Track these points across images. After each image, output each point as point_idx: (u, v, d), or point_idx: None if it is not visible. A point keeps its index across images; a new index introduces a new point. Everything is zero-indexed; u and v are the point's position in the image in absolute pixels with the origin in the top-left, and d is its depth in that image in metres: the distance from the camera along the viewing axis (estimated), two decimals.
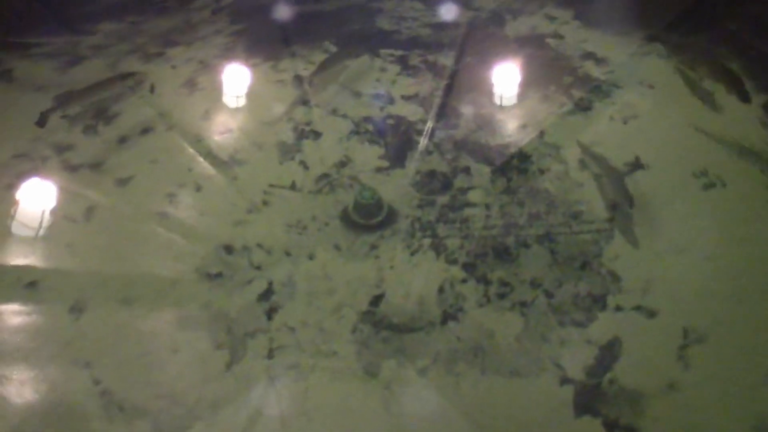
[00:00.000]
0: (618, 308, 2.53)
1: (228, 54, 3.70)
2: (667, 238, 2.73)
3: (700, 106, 3.27)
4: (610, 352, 2.41)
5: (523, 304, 2.56)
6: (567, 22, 3.88)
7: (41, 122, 3.27)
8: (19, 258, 2.71)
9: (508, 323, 2.51)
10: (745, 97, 3.29)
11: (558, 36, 3.78)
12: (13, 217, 2.84)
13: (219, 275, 2.65)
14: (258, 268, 2.68)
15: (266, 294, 2.59)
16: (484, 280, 2.64)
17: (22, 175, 3.00)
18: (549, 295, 2.58)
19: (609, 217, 2.82)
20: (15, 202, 2.89)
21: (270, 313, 2.54)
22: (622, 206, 2.85)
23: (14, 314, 2.55)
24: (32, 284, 2.62)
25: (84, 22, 3.97)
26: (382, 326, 2.50)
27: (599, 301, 2.55)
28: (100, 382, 2.36)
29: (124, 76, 3.51)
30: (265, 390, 2.33)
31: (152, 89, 3.45)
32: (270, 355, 2.42)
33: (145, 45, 3.76)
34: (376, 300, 2.57)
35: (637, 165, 3.00)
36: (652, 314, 2.51)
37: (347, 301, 2.57)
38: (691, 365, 2.36)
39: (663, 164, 3.02)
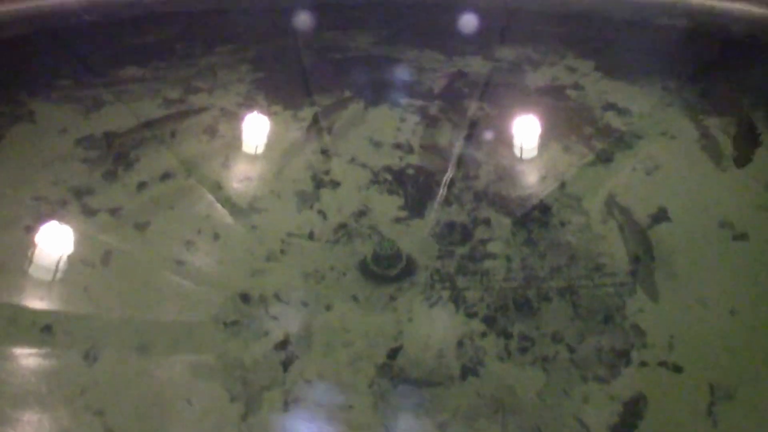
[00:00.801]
0: (642, 363, 2.47)
1: (249, 102, 3.72)
2: (692, 291, 2.69)
3: (724, 156, 3.24)
4: (634, 409, 2.35)
5: (545, 358, 2.51)
6: (588, 73, 3.88)
7: (109, 142, 3.35)
8: (35, 301, 2.69)
9: (530, 378, 2.45)
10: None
11: (579, 87, 3.78)
12: (30, 260, 2.82)
13: (235, 324, 2.62)
14: (275, 318, 2.64)
15: (282, 345, 2.55)
16: (505, 334, 2.59)
17: (40, 218, 3.00)
18: (571, 349, 2.53)
19: (631, 270, 2.78)
20: (33, 245, 2.87)
21: (286, 365, 2.49)
22: (644, 259, 2.81)
23: (28, 358, 2.52)
24: (47, 328, 2.59)
25: (107, 67, 4.00)
26: (400, 380, 2.45)
27: (623, 356, 2.50)
28: (112, 430, 2.31)
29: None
30: None
31: (173, 135, 3.46)
32: (285, 407, 2.37)
33: (167, 91, 3.78)
34: (394, 353, 2.53)
35: (661, 217, 2.97)
36: (677, 370, 2.45)
37: (364, 354, 2.53)
38: (719, 423, 2.30)
39: (687, 216, 2.98)
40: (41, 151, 3.37)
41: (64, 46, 4.20)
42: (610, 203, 3.04)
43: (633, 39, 4.24)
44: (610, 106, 3.62)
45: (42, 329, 2.60)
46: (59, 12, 4.45)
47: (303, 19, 4.36)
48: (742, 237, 2.87)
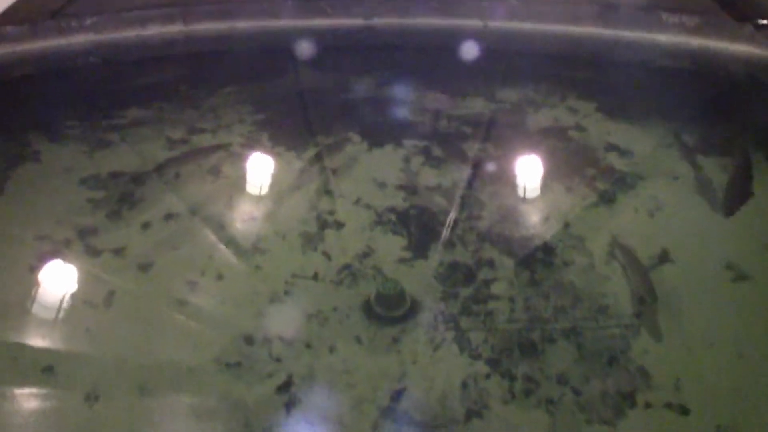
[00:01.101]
0: (648, 405, 2.44)
1: (252, 142, 3.75)
2: (697, 332, 2.67)
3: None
4: None
5: (550, 401, 2.48)
6: (589, 114, 3.91)
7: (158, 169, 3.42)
8: (37, 341, 2.68)
9: (535, 421, 2.42)
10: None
11: (581, 128, 3.80)
12: (33, 300, 2.82)
13: (238, 365, 2.60)
14: (278, 359, 2.62)
15: (285, 387, 2.53)
16: (509, 376, 2.57)
17: (43, 257, 3.00)
18: (576, 391, 2.51)
19: (635, 312, 2.77)
20: (36, 284, 2.87)
21: (289, 407, 2.47)
22: (647, 300, 2.80)
23: (29, 398, 2.49)
24: (49, 368, 2.57)
25: (112, 108, 4.04)
26: (404, 423, 2.42)
27: (628, 398, 2.47)
28: None
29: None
30: None
31: (177, 176, 3.48)
32: None
33: (171, 132, 3.81)
34: (398, 395, 2.50)
35: (664, 258, 2.97)
36: (684, 412, 2.41)
37: (368, 396, 2.50)
38: None
39: (690, 257, 2.98)
40: (46, 191, 3.39)
41: (70, 86, 4.25)
42: (613, 244, 3.04)
43: (634, 80, 4.29)
44: (612, 147, 3.64)
45: (43, 369, 2.57)
46: (65, 53, 4.52)
47: (306, 61, 4.42)
48: (746, 278, 2.86)
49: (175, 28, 4.70)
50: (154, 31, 4.67)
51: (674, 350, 2.62)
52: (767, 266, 2.91)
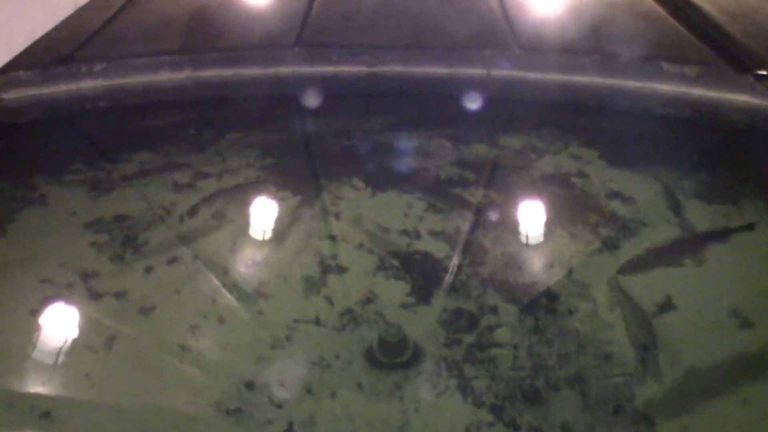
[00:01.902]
0: None
1: (257, 187, 3.76)
2: (701, 381, 2.64)
3: (729, 244, 3.25)
4: None
5: None
6: (592, 161, 3.93)
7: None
8: (35, 386, 2.66)
9: None
10: None
11: (583, 175, 3.82)
12: (33, 344, 2.81)
13: (239, 412, 2.57)
14: (279, 406, 2.60)
15: None
16: (513, 425, 2.53)
17: (45, 301, 2.99)
18: None
19: (637, 359, 2.75)
20: (37, 328, 2.86)
21: None
22: (649, 346, 2.78)
23: None
24: (46, 414, 2.54)
25: (119, 152, 4.07)
26: None
27: None
28: None
29: None
30: None
31: (181, 219, 3.49)
32: None
33: (176, 176, 3.83)
34: None
35: (667, 305, 2.95)
36: None
37: None
38: None
39: (694, 304, 2.97)
40: (50, 234, 3.40)
41: (78, 130, 4.30)
42: (616, 291, 3.03)
43: (636, 128, 4.33)
44: (615, 194, 3.64)
45: (41, 415, 2.55)
46: (74, 98, 4.58)
47: (312, 107, 4.47)
48: (751, 325, 2.85)
49: (183, 75, 4.77)
50: (162, 77, 4.74)
51: (679, 399, 2.59)
52: None
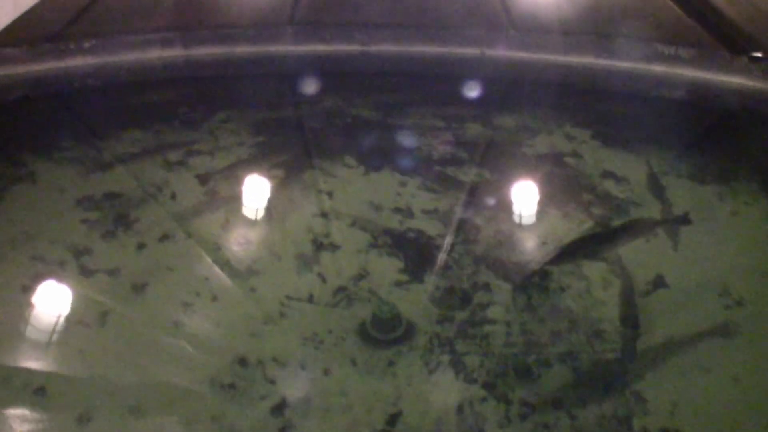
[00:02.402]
0: (644, 430, 2.43)
1: (250, 165, 3.75)
2: (692, 358, 2.67)
3: (721, 225, 3.26)
4: None
5: (546, 425, 2.46)
6: (585, 141, 3.93)
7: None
8: (29, 362, 2.65)
9: None
10: None
11: (577, 155, 3.82)
12: (26, 320, 2.80)
13: (232, 388, 2.58)
14: (272, 382, 2.60)
15: (280, 409, 2.50)
16: (505, 400, 2.55)
17: (37, 278, 2.98)
18: (572, 416, 2.49)
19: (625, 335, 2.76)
20: (29, 305, 2.85)
21: (283, 430, 2.45)
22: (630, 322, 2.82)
23: (20, 420, 2.45)
24: (40, 390, 2.54)
25: (109, 129, 4.04)
26: None
27: (624, 423, 2.45)
28: None
29: None
30: None
31: (173, 197, 3.47)
32: None
33: (168, 153, 3.81)
34: (393, 419, 2.48)
35: (659, 283, 2.97)
36: None
37: (363, 419, 2.48)
38: None
39: (686, 283, 2.99)
40: (41, 211, 3.37)
41: (67, 108, 4.26)
42: (616, 266, 3.04)
43: (630, 109, 4.33)
44: (608, 174, 3.65)
45: (35, 391, 2.54)
46: (63, 76, 4.53)
47: (305, 85, 4.45)
48: (741, 303, 2.87)
49: (174, 52, 4.73)
50: (153, 55, 4.70)
51: (670, 375, 2.62)
52: (762, 293, 2.92)
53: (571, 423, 2.47)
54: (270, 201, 3.48)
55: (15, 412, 2.48)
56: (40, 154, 3.78)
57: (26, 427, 2.44)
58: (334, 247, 3.20)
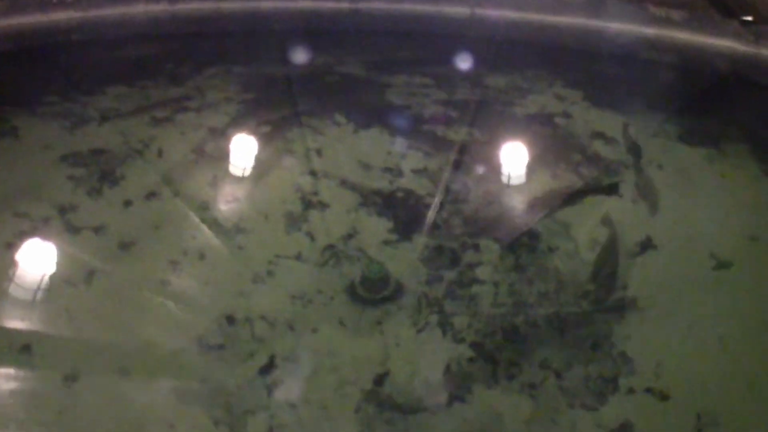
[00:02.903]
0: (630, 391, 2.46)
1: (237, 122, 3.69)
2: (679, 319, 2.69)
3: (710, 187, 3.26)
4: None
5: (532, 385, 2.49)
6: (576, 102, 3.90)
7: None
8: (14, 321, 2.64)
9: (517, 405, 2.43)
10: None
11: (567, 115, 3.79)
12: (10, 278, 2.77)
13: (220, 347, 2.58)
14: (260, 341, 2.60)
15: (268, 368, 2.51)
16: (492, 360, 2.57)
17: (22, 235, 2.94)
18: (559, 376, 2.51)
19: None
20: (13, 263, 2.82)
21: (271, 389, 2.45)
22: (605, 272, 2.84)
23: (5, 379, 2.45)
24: (26, 348, 2.53)
25: (94, 85, 3.97)
26: (387, 406, 2.41)
27: (610, 383, 2.48)
28: None
29: None
30: None
31: (160, 154, 3.43)
32: None
33: (154, 110, 3.75)
34: (381, 378, 2.50)
35: (647, 245, 2.97)
36: (664, 397, 2.44)
37: (351, 379, 2.49)
38: None
39: (674, 245, 2.99)
40: (25, 168, 3.32)
41: (51, 63, 4.17)
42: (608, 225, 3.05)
43: (621, 71, 4.29)
44: (598, 135, 3.63)
45: (20, 350, 2.53)
46: (46, 30, 4.43)
47: (293, 43, 4.38)
48: (729, 266, 2.88)
49: (160, 7, 4.63)
50: (138, 9, 4.60)
51: (656, 336, 2.64)
52: (749, 255, 2.93)
53: (558, 383, 2.49)
54: (258, 159, 3.44)
55: (1, 370, 2.47)
56: (24, 109, 3.71)
57: (12, 385, 2.44)
58: (322, 206, 3.18)
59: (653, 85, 4.12)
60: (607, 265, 2.89)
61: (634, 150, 3.53)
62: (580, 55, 4.50)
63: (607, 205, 3.19)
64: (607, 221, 3.07)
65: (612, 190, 3.25)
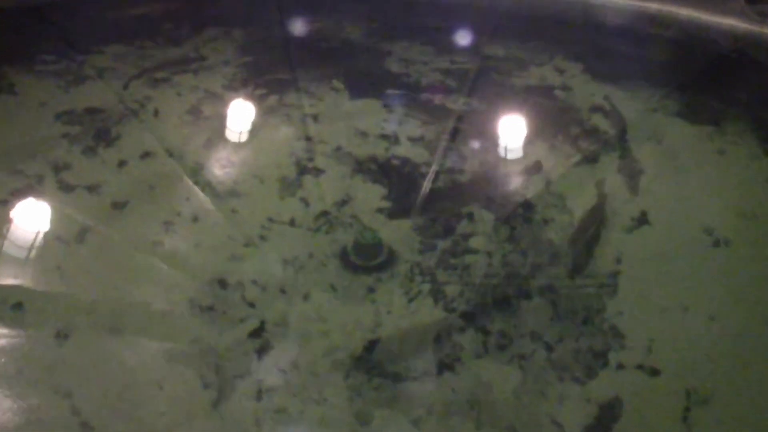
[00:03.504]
0: (620, 366, 2.46)
1: (234, 85, 3.67)
2: (671, 295, 2.68)
3: (708, 163, 3.25)
4: (610, 412, 2.34)
5: (522, 357, 2.49)
6: (576, 75, 3.86)
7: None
8: (6, 278, 2.63)
9: (506, 376, 2.44)
10: None
11: (567, 88, 3.76)
12: (3, 235, 2.76)
13: (211, 309, 2.58)
14: (251, 305, 2.60)
15: (258, 332, 2.52)
16: (483, 331, 2.57)
17: (16, 193, 2.93)
18: (549, 348, 2.52)
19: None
20: (6, 220, 2.81)
21: (261, 353, 2.46)
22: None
23: None
24: (18, 305, 2.53)
25: (91, 43, 3.92)
26: (376, 373, 2.42)
27: (600, 358, 2.49)
28: (80, 413, 2.26)
29: None
30: None
31: (156, 114, 3.40)
32: (258, 396, 2.33)
33: (151, 70, 3.72)
34: (371, 345, 2.50)
35: (642, 220, 2.96)
36: (654, 373, 2.44)
37: (341, 345, 2.50)
38: (693, 428, 2.29)
39: (669, 221, 2.97)
40: (20, 125, 3.30)
41: (47, 21, 4.12)
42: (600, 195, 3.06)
43: (622, 46, 4.24)
44: (597, 109, 3.60)
45: (12, 306, 2.53)
46: None
47: (292, 7, 4.32)
48: (723, 243, 2.87)
49: None
50: None
51: (649, 312, 2.64)
52: (744, 233, 2.92)
53: (548, 355, 2.49)
54: (254, 122, 3.41)
55: None
56: (19, 65, 3.67)
57: (3, 342, 2.44)
58: (317, 172, 3.17)
59: (655, 60, 4.08)
60: (590, 231, 2.89)
61: (621, 125, 3.50)
62: (582, 28, 4.45)
63: (604, 177, 3.17)
64: (599, 186, 3.07)
65: None
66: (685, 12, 4.29)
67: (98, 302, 2.59)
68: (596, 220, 2.95)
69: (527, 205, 3.03)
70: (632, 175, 3.19)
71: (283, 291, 2.66)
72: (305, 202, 3.01)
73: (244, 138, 3.35)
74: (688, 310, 2.63)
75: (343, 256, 2.78)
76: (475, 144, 3.36)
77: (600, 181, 3.13)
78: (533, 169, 3.22)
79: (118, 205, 2.93)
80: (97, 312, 2.56)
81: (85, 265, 2.71)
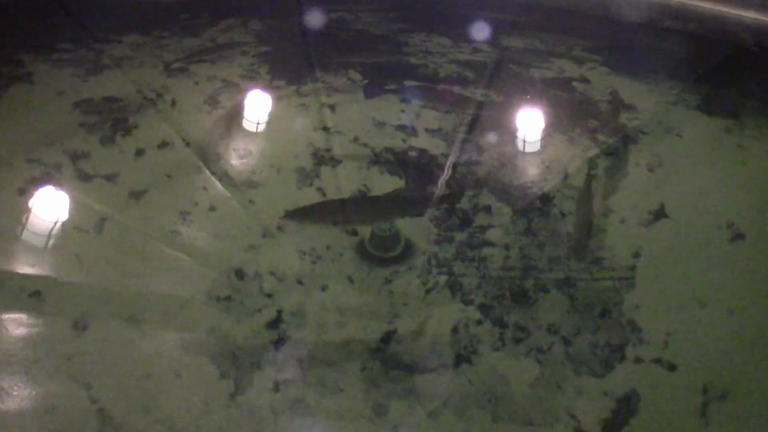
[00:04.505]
0: (637, 360, 2.46)
1: (252, 75, 3.67)
2: (689, 289, 2.67)
3: (727, 157, 3.22)
4: (627, 406, 2.34)
5: (539, 350, 2.49)
6: (594, 67, 3.84)
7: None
8: (25, 266, 2.65)
9: (523, 369, 2.43)
10: None
11: (585, 80, 3.73)
12: (22, 224, 2.77)
13: (228, 300, 2.58)
14: (269, 295, 2.61)
15: (275, 323, 2.52)
16: (500, 323, 2.56)
17: (34, 181, 2.95)
18: (566, 342, 2.51)
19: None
20: (26, 209, 2.83)
21: (278, 344, 2.46)
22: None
23: (15, 324, 2.47)
24: (36, 294, 2.55)
25: (109, 32, 3.94)
26: (392, 365, 2.42)
27: (618, 352, 2.48)
28: (98, 401, 2.28)
29: None
30: (267, 425, 2.25)
31: (173, 104, 3.41)
32: (275, 387, 2.34)
33: (169, 59, 3.72)
34: (388, 337, 2.50)
35: (660, 213, 2.95)
36: (672, 368, 2.43)
37: (358, 337, 2.50)
38: (711, 423, 2.29)
39: (687, 214, 2.96)
40: (38, 113, 3.31)
41: (66, 10, 4.13)
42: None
43: (642, 38, 4.21)
44: (616, 101, 3.58)
45: (31, 295, 2.55)
46: None
47: None
48: (741, 237, 2.85)
49: None
50: None
51: (666, 306, 2.63)
52: (763, 227, 2.90)
53: (565, 349, 2.49)
54: (271, 113, 3.42)
55: (10, 315, 2.50)
56: (38, 54, 3.69)
57: (22, 330, 2.46)
58: (334, 162, 3.16)
59: (674, 53, 4.05)
60: (583, 217, 2.89)
61: (616, 112, 3.49)
62: (602, 20, 4.42)
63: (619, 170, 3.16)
64: (592, 165, 3.09)
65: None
66: (706, 5, 4.25)
67: (116, 291, 2.60)
68: (584, 206, 2.94)
69: (544, 198, 3.01)
70: (650, 168, 3.16)
71: (300, 282, 2.66)
72: (322, 192, 3.01)
73: (261, 128, 3.35)
74: (706, 304, 2.61)
75: (360, 247, 2.78)
76: (493, 136, 3.34)
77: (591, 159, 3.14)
78: (551, 161, 3.20)
79: (136, 195, 2.94)
80: (115, 301, 2.57)
81: (104, 255, 2.72)
